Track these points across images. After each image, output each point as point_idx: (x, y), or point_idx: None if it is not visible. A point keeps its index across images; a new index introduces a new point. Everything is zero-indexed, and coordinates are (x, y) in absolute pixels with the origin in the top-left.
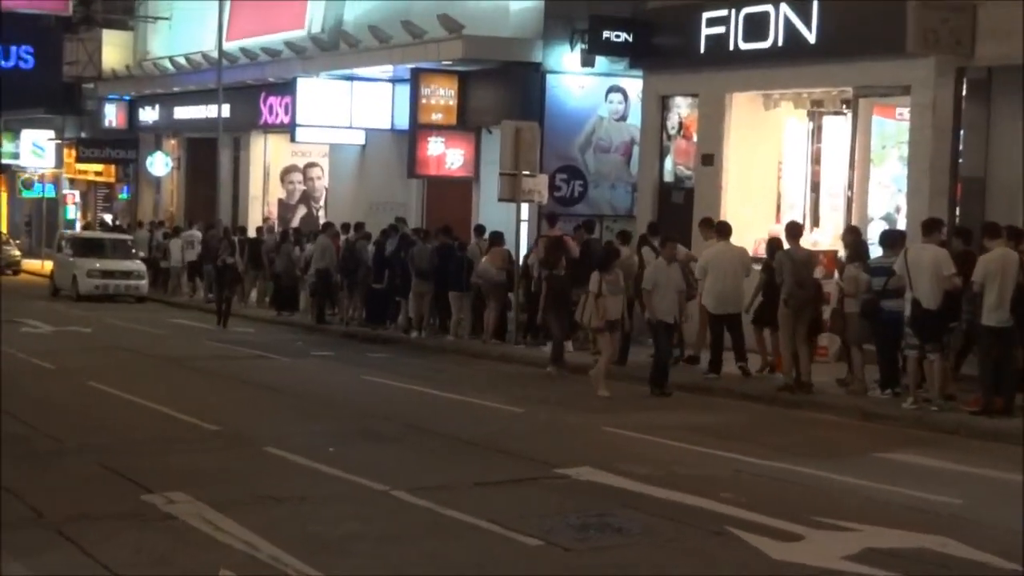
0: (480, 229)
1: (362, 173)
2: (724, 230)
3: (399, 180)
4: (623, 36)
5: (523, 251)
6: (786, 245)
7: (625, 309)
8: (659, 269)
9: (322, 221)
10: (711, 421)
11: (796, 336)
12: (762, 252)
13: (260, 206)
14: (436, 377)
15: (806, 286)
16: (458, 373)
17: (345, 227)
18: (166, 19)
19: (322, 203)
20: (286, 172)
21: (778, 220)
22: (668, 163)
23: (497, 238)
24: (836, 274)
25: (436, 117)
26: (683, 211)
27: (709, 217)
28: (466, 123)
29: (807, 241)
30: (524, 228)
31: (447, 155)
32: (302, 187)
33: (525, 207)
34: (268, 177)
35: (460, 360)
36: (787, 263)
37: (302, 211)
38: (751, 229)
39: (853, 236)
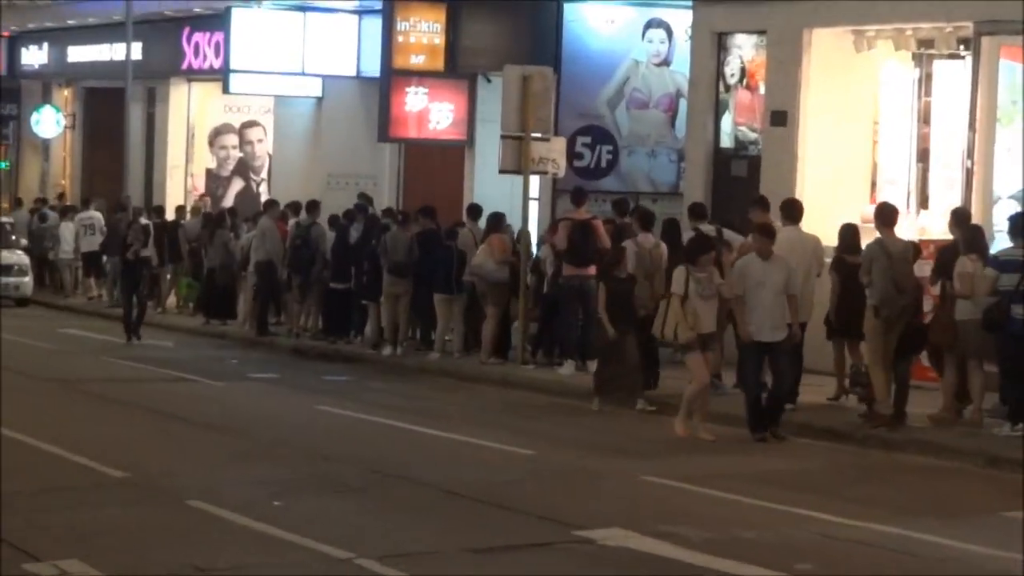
0: (475, 210)
1: (318, 135)
2: (792, 211)
3: (367, 145)
4: None
5: (533, 240)
6: (875, 233)
7: (721, 319)
8: (752, 267)
9: (264, 199)
10: (784, 467)
11: (886, 353)
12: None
13: (182, 179)
14: (416, 408)
15: (905, 289)
16: (445, 402)
17: (295, 207)
18: None
19: (264, 175)
20: (217, 134)
21: (873, 200)
22: (726, 123)
23: (497, 222)
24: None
25: (417, 61)
26: (746, 187)
27: (763, 196)
28: (457, 69)
29: (911, 228)
30: (534, 209)
31: (431, 112)
32: (238, 154)
33: (535, 181)
34: (193, 140)
35: (448, 385)
36: (879, 258)
37: (237, 185)
38: (835, 212)
39: (963, 220)
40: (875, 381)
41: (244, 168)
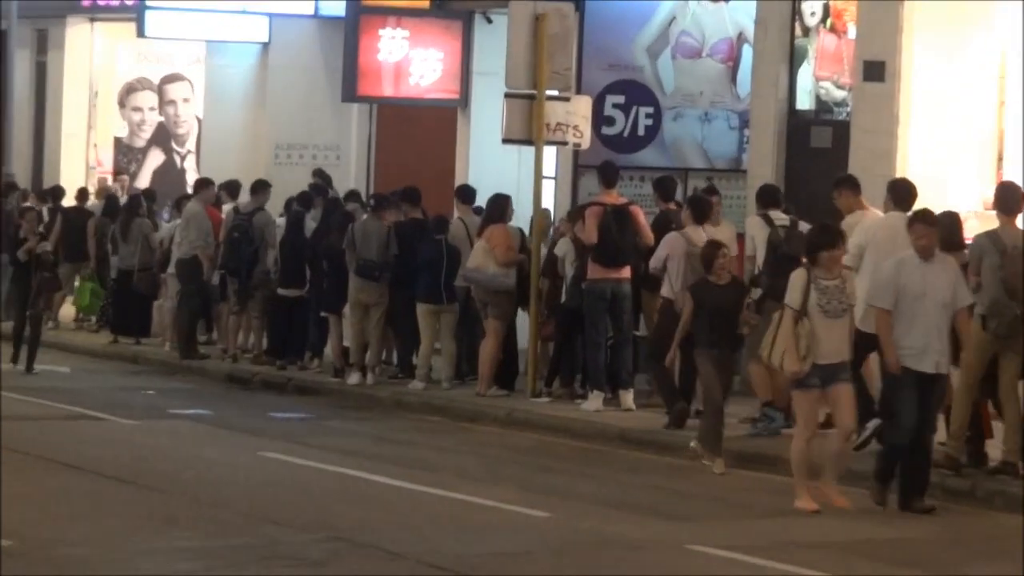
0: (468, 193)
1: (262, 93)
2: (903, 193)
3: (328, 106)
4: None
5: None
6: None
7: (850, 343)
8: (909, 270)
9: (193, 178)
10: (879, 534)
11: (1004, 380)
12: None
13: (83, 151)
14: (391, 455)
15: (1017, 295)
16: (431, 447)
17: (232, 188)
18: None
19: (191, 146)
20: (129, 92)
21: (999, 177)
22: (804, 77)
23: (499, 209)
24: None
25: None
26: (830, 161)
27: (851, 176)
28: (447, 4)
29: None
30: (549, 191)
31: (413, 62)
32: (156, 117)
33: (551, 154)
34: (96, 100)
35: (434, 425)
36: (989, 254)
37: (156, 160)
38: (948, 194)
39: None
40: (957, 411)
41: (164, 137)
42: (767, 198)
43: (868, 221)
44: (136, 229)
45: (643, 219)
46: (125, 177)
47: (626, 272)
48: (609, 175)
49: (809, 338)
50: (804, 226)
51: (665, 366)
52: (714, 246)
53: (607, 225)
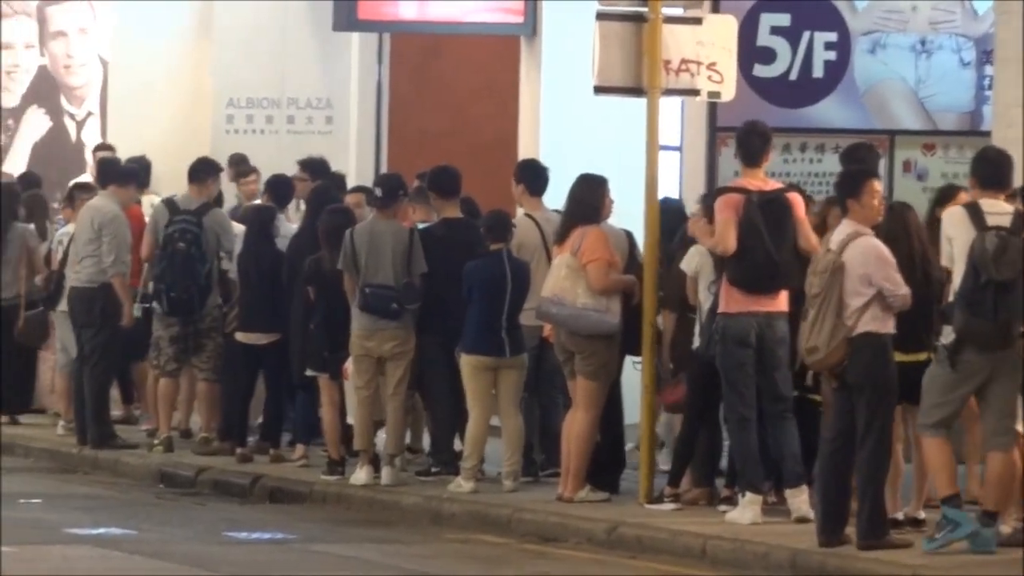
0: (536, 176)
1: (207, 23)
2: None
3: (311, 41)
4: None
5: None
6: None
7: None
8: None
9: (96, 155)
10: None
11: None
12: None
13: None
14: None
15: None
16: None
17: (127, 173)
18: None
19: (92, 105)
20: None
21: None
22: None
23: (591, 201)
24: None
25: None
26: None
27: None
28: None
29: None
30: (671, 170)
31: None
32: (38, 60)
33: (672, 110)
34: None
35: (493, 550)
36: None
37: (37, 126)
38: None
39: None
40: None
41: (48, 90)
42: (987, 173)
43: None
44: (15, 241)
45: (803, 212)
46: None
47: (781, 301)
48: (754, 145)
49: None
50: None
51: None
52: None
53: (750, 224)
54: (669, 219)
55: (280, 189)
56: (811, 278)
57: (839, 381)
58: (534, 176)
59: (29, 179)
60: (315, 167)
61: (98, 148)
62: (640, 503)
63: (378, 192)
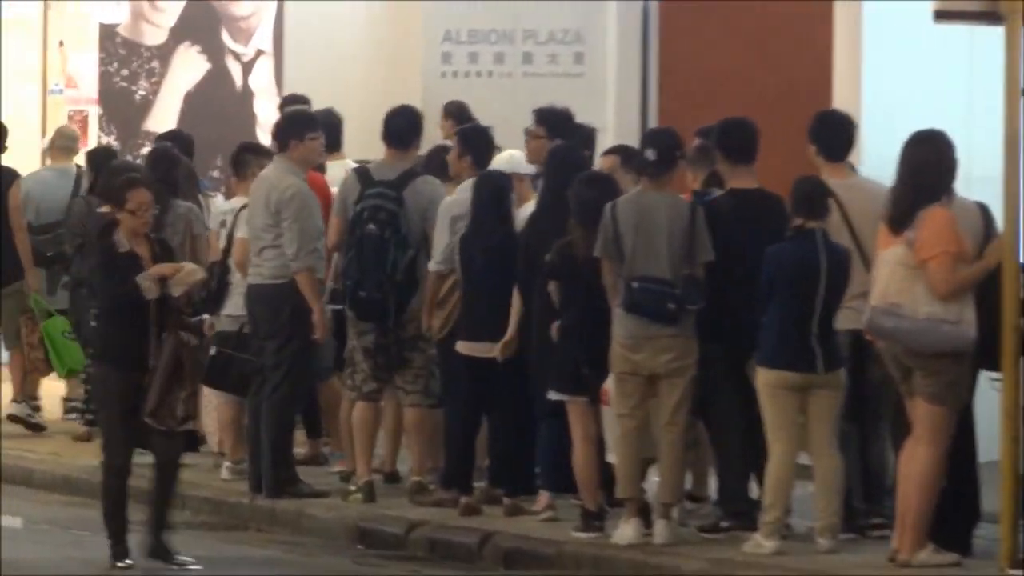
0: (841, 135)
1: None
2: None
3: None
4: None
5: None
6: None
7: None
8: None
9: (271, 108)
10: None
11: None
12: None
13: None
14: None
15: None
16: None
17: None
18: None
19: (263, 43)
20: None
21: None
22: None
23: (932, 173)
24: None
25: None
26: None
27: None
28: None
29: None
30: None
31: None
32: None
33: None
34: None
35: None
36: None
37: (193, 67)
38: None
39: None
40: None
41: (207, 22)
42: None
43: None
44: (175, 224)
45: None
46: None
47: None
48: None
49: None
50: None
51: None
52: None
53: None
54: None
55: (477, 143)
56: None
57: None
58: (831, 133)
59: (178, 138)
60: (556, 120)
61: (288, 101)
62: (1001, 569)
63: (650, 155)
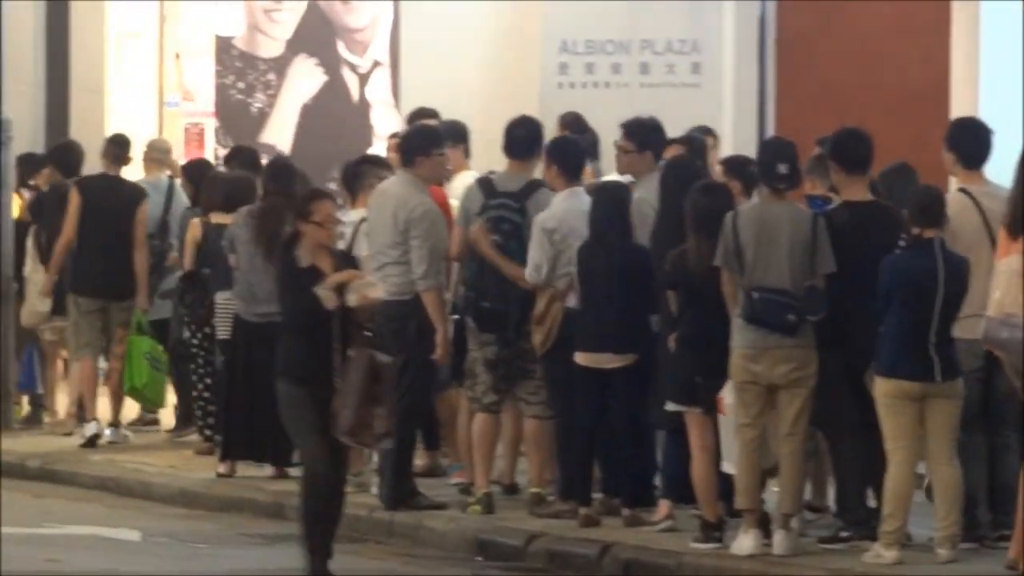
0: (971, 138)
1: None
2: None
3: None
4: None
5: None
6: None
7: None
8: None
9: (390, 115)
10: None
11: None
12: None
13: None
14: None
15: None
16: None
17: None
18: None
19: (379, 54)
20: None
21: None
22: None
23: None
24: None
25: None
26: None
27: None
28: None
29: None
30: None
31: None
32: None
33: None
34: None
35: None
36: None
37: (309, 79)
38: None
39: None
40: None
41: (323, 34)
42: None
43: None
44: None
45: None
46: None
47: None
48: None
49: None
50: None
51: None
52: None
53: None
54: None
55: (563, 154)
56: None
57: None
58: (971, 140)
59: (239, 157)
60: (644, 131)
61: (416, 115)
62: None
63: (783, 169)
